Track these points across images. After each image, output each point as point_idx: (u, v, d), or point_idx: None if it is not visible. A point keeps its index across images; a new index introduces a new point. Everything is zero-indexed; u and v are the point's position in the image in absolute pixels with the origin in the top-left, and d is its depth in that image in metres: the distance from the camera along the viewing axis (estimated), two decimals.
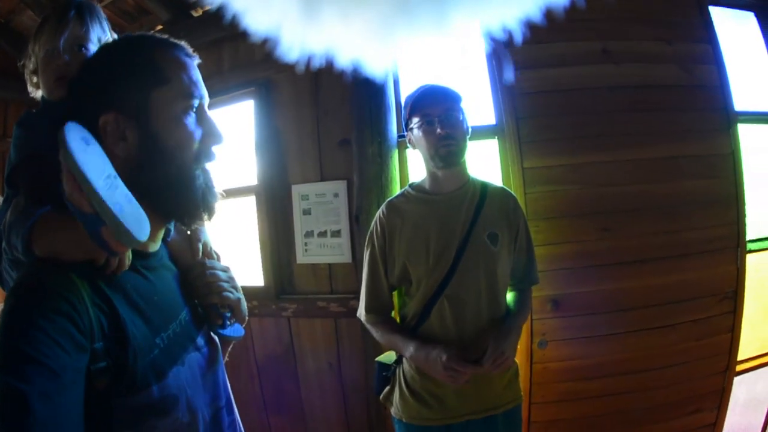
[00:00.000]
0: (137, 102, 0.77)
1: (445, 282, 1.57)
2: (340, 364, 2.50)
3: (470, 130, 1.64)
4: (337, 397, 2.52)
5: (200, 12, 2.82)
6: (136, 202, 0.73)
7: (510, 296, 1.71)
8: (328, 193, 2.49)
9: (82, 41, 0.97)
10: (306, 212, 2.53)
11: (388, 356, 1.76)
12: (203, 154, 0.83)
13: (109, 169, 0.72)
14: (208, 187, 0.85)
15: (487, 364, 1.45)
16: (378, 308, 1.69)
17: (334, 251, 2.49)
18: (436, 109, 1.56)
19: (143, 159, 0.78)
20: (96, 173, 0.68)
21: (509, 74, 2.20)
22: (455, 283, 1.57)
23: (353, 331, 2.40)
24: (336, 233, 2.48)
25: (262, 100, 2.64)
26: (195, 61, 0.86)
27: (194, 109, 0.82)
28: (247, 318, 1.01)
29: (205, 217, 0.85)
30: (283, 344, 2.61)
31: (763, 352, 2.65)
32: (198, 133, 0.82)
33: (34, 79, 1.01)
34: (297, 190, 2.56)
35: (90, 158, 0.69)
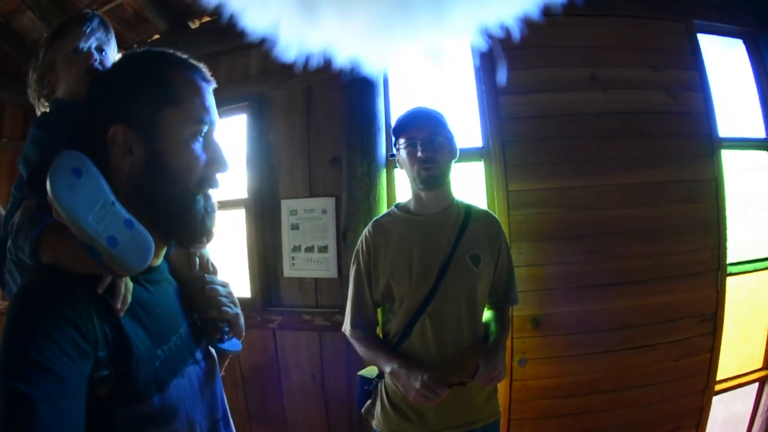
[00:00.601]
0: (147, 119, 0.77)
1: (427, 300, 1.60)
2: (324, 377, 2.51)
3: (458, 152, 1.67)
4: (319, 409, 2.53)
5: (198, 24, 2.85)
6: (140, 227, 0.73)
7: (489, 314, 1.74)
8: (317, 209, 2.50)
9: (104, 46, 1.03)
10: (294, 227, 2.55)
11: (371, 370, 1.78)
12: (207, 179, 0.83)
13: (105, 196, 0.71)
14: (208, 212, 0.84)
15: (482, 380, 1.48)
16: (363, 324, 1.71)
17: (320, 266, 2.50)
18: (420, 132, 1.60)
19: (147, 176, 0.78)
20: (85, 208, 0.68)
21: (502, 77, 2.22)
22: (437, 301, 1.60)
23: (337, 344, 2.41)
24: (323, 248, 2.49)
25: (256, 114, 2.66)
26: (211, 86, 0.85)
27: (202, 134, 0.82)
28: (244, 333, 1.01)
29: (203, 241, 0.86)
30: (268, 355, 2.62)
31: (742, 372, 2.68)
32: (203, 159, 0.82)
33: (43, 83, 1.03)
34: (286, 204, 2.57)
35: (80, 192, 0.68)
